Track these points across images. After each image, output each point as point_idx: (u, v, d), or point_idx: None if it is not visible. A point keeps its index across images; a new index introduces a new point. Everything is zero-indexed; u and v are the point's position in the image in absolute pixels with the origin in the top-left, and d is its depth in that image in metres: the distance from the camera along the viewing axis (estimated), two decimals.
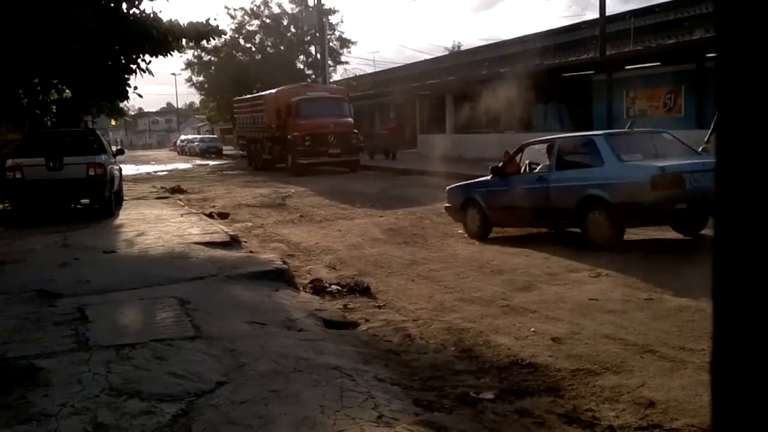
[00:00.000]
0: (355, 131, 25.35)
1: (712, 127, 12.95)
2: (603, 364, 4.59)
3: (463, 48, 49.49)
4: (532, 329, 5.44)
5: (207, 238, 9.63)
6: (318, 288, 7.17)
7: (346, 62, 51.72)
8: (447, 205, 10.84)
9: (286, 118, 25.86)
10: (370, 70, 53.17)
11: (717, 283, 1.20)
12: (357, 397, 3.88)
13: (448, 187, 11.10)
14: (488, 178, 10.10)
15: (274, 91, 28.81)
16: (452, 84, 29.28)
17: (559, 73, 24.62)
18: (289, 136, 25.07)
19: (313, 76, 45.46)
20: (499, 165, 10.03)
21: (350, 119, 25.83)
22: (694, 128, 17.96)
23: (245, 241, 10.16)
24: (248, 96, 33.92)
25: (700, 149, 12.58)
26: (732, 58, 1.15)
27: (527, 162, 10.01)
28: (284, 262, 7.96)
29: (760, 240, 1.11)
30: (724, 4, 1.16)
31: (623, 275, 7.03)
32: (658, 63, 20.66)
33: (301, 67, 49.73)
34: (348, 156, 24.57)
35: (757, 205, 1.12)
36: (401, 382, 4.37)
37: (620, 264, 7.56)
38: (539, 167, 9.67)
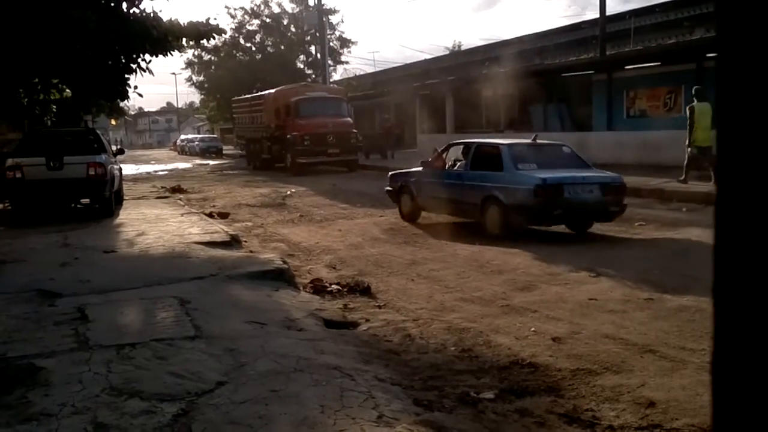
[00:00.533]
0: (354, 131, 25.44)
1: (688, 127, 13.33)
2: (603, 364, 4.60)
3: (463, 48, 49.46)
4: (533, 329, 5.44)
5: (207, 238, 9.63)
6: (318, 288, 7.16)
7: (347, 62, 51.76)
8: (388, 188, 12.39)
9: (286, 117, 25.95)
10: (370, 69, 53.17)
11: (717, 283, 1.20)
12: (357, 397, 3.88)
13: (390, 173, 12.66)
14: (420, 169, 11.55)
15: (273, 91, 28.91)
16: (452, 84, 29.29)
17: (559, 72, 24.63)
18: (288, 136, 25.13)
19: (314, 76, 45.46)
20: (429, 160, 11.54)
21: (349, 119, 25.92)
22: None
23: (245, 241, 10.16)
24: (247, 96, 33.95)
25: (689, 149, 13.23)
26: (732, 58, 1.15)
27: (453, 159, 11.21)
28: (284, 262, 7.96)
29: (760, 240, 1.11)
30: (724, 4, 1.16)
31: (623, 275, 7.04)
32: (659, 63, 20.65)
33: (302, 66, 49.74)
34: (347, 155, 24.62)
35: (758, 206, 1.12)
36: (401, 381, 4.37)
37: (620, 263, 7.57)
38: (458, 165, 10.97)
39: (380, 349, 5.14)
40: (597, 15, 24.97)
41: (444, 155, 11.30)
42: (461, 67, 34.94)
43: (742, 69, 1.14)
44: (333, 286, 7.22)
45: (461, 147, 11.16)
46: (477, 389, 4.28)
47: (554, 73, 24.74)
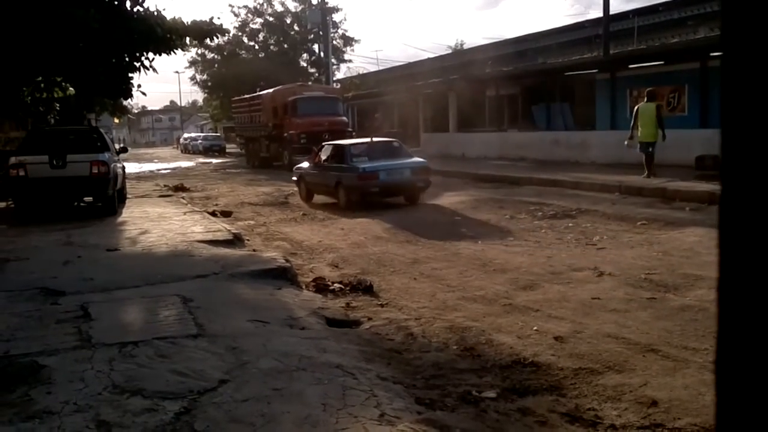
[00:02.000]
0: (350, 129, 25.85)
1: (631, 124, 15.11)
2: (605, 363, 4.59)
3: (466, 46, 49.38)
4: (535, 328, 5.44)
5: (210, 237, 9.64)
6: (320, 286, 7.17)
7: (350, 60, 52.02)
8: (293, 177, 16.30)
9: (283, 116, 26.53)
10: (373, 68, 53.17)
11: (722, 282, 1.19)
12: (359, 396, 3.88)
13: (294, 168, 16.64)
14: (307, 164, 15.65)
15: (271, 90, 29.62)
16: (455, 83, 29.25)
17: (563, 72, 24.57)
18: (285, 134, 25.63)
19: (317, 75, 45.54)
20: (311, 157, 15.78)
21: (344, 118, 26.52)
22: (699, 127, 17.93)
23: (248, 240, 10.17)
24: (246, 96, 34.49)
25: (626, 143, 15.38)
26: (737, 57, 1.15)
27: (325, 156, 14.89)
28: (287, 261, 7.96)
29: (765, 240, 1.11)
30: (729, 3, 1.16)
31: (626, 274, 7.03)
32: (662, 62, 20.60)
33: (305, 65, 49.81)
34: None
35: (762, 206, 1.11)
36: (403, 380, 4.37)
37: (623, 263, 7.57)
38: (326, 160, 14.76)
39: (382, 348, 5.15)
40: (600, 14, 24.92)
41: (319, 153, 15.22)
42: (464, 66, 34.88)
43: (747, 68, 1.13)
44: (335, 284, 7.23)
45: (328, 147, 15.10)
46: (479, 388, 4.28)
47: (557, 72, 24.69)
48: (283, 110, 26.67)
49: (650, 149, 14.80)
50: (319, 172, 14.81)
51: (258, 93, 32.63)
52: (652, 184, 13.80)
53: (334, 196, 14.19)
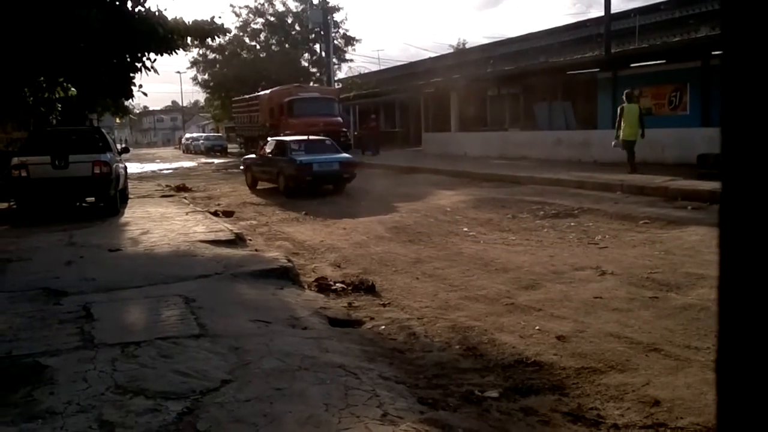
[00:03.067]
0: (344, 129, 26.07)
1: (616, 125, 15.74)
2: (608, 363, 4.59)
3: (467, 46, 49.34)
4: (537, 327, 5.44)
5: (212, 237, 9.64)
6: (323, 286, 7.17)
7: (351, 60, 52.11)
8: (242, 167, 19.77)
9: (279, 117, 26.97)
10: (374, 68, 53.13)
11: (722, 281, 1.19)
12: (362, 396, 3.88)
13: (242, 158, 20.66)
14: (254, 156, 19.02)
15: (268, 91, 30.38)
16: (457, 82, 29.25)
17: (564, 71, 24.55)
18: (281, 134, 25.88)
19: (318, 74, 45.59)
20: (257, 150, 19.14)
21: (339, 118, 26.84)
22: (701, 126, 17.91)
23: (250, 240, 10.18)
24: (245, 96, 34.98)
25: (613, 144, 16.15)
26: (738, 56, 1.15)
27: (269, 149, 17.72)
28: (289, 261, 7.97)
29: (766, 239, 1.11)
30: (730, 1, 1.16)
31: (628, 273, 7.02)
32: (664, 61, 20.58)
33: (306, 65, 49.85)
34: None
35: (762, 205, 1.11)
36: (406, 380, 4.37)
37: (625, 262, 7.56)
38: (270, 152, 17.55)
39: (385, 348, 5.15)
40: (602, 13, 24.89)
41: (264, 147, 18.17)
42: (465, 65, 34.88)
43: (747, 67, 1.13)
44: (337, 284, 7.23)
45: (272, 142, 17.94)
46: (481, 388, 4.29)
47: (559, 72, 24.67)
48: (279, 111, 27.14)
49: (633, 147, 15.69)
50: (264, 163, 17.71)
51: (256, 94, 33.13)
52: (655, 182, 13.79)
53: (275, 182, 16.88)
